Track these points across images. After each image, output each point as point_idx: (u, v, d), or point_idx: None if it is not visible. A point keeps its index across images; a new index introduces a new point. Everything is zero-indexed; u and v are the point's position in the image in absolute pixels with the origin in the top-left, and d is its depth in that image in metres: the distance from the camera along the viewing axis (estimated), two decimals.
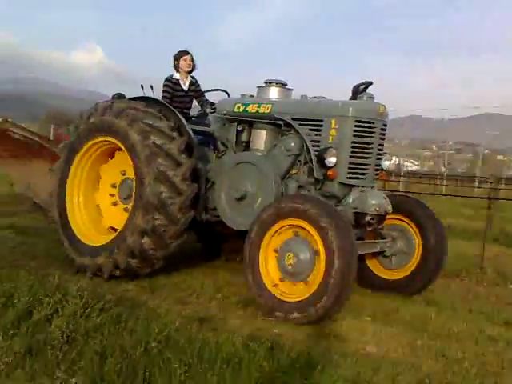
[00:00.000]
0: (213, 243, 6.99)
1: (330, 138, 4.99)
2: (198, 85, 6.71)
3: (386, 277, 5.65)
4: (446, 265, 5.58)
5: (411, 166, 69.64)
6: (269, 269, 4.67)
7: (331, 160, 4.85)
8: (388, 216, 5.44)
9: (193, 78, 6.68)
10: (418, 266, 5.43)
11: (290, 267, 4.53)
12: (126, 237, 5.27)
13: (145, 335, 3.51)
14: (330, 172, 4.89)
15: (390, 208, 5.05)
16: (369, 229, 5.02)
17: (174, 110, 5.85)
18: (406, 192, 16.36)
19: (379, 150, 5.21)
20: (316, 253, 4.39)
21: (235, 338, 3.66)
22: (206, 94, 6.73)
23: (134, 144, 5.32)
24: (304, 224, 4.44)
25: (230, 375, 3.08)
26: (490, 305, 5.61)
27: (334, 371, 3.33)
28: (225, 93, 6.71)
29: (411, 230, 5.52)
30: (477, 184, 27.37)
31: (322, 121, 5.07)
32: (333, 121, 4.99)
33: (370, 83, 5.35)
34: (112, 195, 6.02)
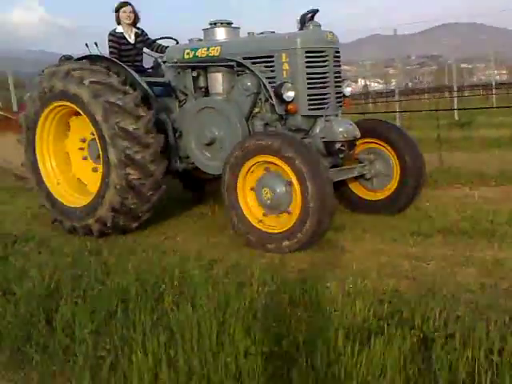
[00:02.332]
0: (198, 189, 7.12)
1: (284, 72, 4.97)
2: (146, 34, 6.50)
3: (369, 198, 5.79)
4: (424, 183, 5.73)
5: (376, 85, 69.64)
6: (251, 207, 4.81)
7: (289, 94, 4.86)
8: (364, 140, 5.57)
9: (138, 29, 6.46)
10: (398, 186, 5.55)
11: (269, 202, 4.66)
12: (104, 195, 5.33)
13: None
14: (290, 106, 4.90)
15: (357, 133, 5.12)
16: (341, 155, 5.10)
17: (123, 64, 5.73)
18: (384, 112, 16.44)
19: (337, 77, 5.21)
20: (289, 183, 4.51)
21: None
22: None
23: (88, 105, 5.26)
24: (271, 158, 4.54)
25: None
26: None
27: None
28: (174, 40, 6.53)
29: (387, 152, 5.59)
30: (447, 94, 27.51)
31: (272, 56, 5.04)
32: (283, 55, 4.96)
33: (316, 11, 5.26)
34: (81, 149, 5.99)
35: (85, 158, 5.98)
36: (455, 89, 21.16)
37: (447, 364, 2.44)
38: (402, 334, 2.67)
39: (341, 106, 5.38)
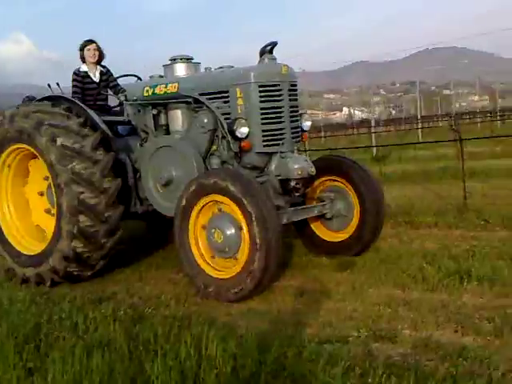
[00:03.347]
0: (160, 232, 6.84)
1: (239, 108, 4.89)
2: (111, 74, 6.45)
3: (329, 239, 5.63)
4: (381, 227, 5.57)
5: (360, 114, 70.29)
6: (200, 247, 4.66)
7: (242, 131, 4.77)
8: (327, 178, 5.51)
9: (103, 67, 6.43)
10: (358, 228, 5.39)
11: (218, 244, 4.51)
12: (56, 243, 5.16)
13: None
14: (243, 143, 4.81)
15: (313, 170, 4.99)
16: (297, 194, 4.96)
17: (82, 104, 5.68)
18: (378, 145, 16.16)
19: (293, 111, 5.12)
20: (240, 227, 4.36)
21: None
22: (119, 81, 6.54)
23: (43, 148, 5.16)
24: (221, 198, 4.42)
25: None
26: None
27: None
28: (136, 77, 6.54)
29: (349, 191, 5.46)
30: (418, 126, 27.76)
31: (227, 91, 4.99)
32: (237, 90, 4.89)
33: (275, 43, 5.21)
34: (41, 194, 5.84)
35: (47, 210, 5.79)
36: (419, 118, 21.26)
37: None
38: None
39: (298, 141, 5.30)
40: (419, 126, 26.88)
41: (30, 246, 5.68)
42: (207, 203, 4.57)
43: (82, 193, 5.00)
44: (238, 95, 4.88)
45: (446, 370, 2.92)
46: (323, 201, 5.52)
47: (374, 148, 16.70)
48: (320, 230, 5.70)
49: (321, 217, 5.59)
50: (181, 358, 3.05)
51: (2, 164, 5.70)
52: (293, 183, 4.87)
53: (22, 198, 5.91)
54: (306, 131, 5.49)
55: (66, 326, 3.88)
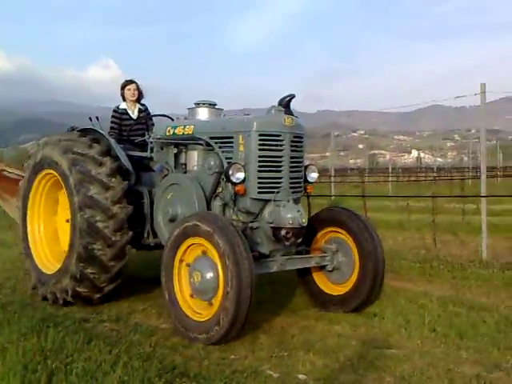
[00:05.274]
0: None
1: (239, 154, 5.06)
2: (148, 112, 6.97)
3: (331, 292, 5.57)
4: (381, 284, 5.47)
5: (430, 159, 68.36)
6: (182, 283, 4.77)
7: (237, 176, 4.92)
8: (328, 229, 5.54)
9: (142, 105, 6.95)
10: (357, 281, 5.31)
11: (197, 285, 4.60)
12: (68, 263, 5.51)
13: None
14: (237, 188, 4.93)
15: (304, 221, 4.98)
16: (287, 243, 4.96)
17: (108, 136, 6.12)
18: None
19: (295, 162, 5.21)
20: (218, 271, 4.43)
21: None
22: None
23: (65, 172, 5.58)
24: (202, 241, 4.54)
25: None
26: None
27: None
28: (169, 118, 7.01)
29: (349, 242, 5.41)
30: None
31: (232, 138, 5.17)
32: (240, 137, 5.07)
33: (293, 96, 5.50)
34: (67, 221, 6.10)
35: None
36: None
37: None
38: None
39: (299, 192, 5.34)
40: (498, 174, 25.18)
41: (52, 266, 6.02)
42: (190, 245, 4.70)
43: (93, 216, 5.33)
44: (240, 142, 5.06)
45: None
46: (325, 252, 5.52)
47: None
48: (321, 282, 5.67)
49: (323, 268, 5.58)
50: None
51: (36, 188, 6.20)
52: (283, 232, 4.90)
53: (51, 222, 6.34)
54: (311, 183, 5.56)
55: None
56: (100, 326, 5.15)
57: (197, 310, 4.65)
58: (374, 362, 4.06)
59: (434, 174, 24.44)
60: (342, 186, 17.41)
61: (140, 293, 6.31)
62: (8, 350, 3.99)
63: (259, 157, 5.03)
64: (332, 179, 19.41)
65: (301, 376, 3.79)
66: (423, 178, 30.15)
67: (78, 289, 5.51)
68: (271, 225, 4.99)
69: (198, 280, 4.57)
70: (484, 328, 4.89)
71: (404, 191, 20.07)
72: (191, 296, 4.72)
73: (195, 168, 5.71)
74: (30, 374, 3.55)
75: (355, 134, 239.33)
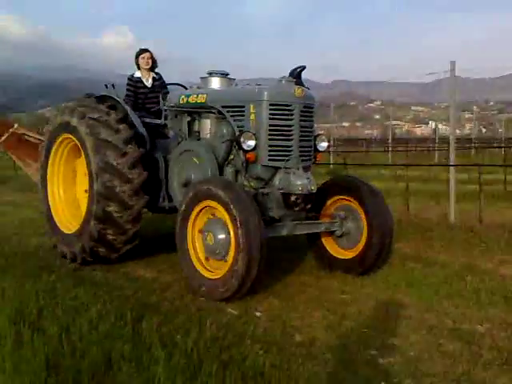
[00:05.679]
0: None
1: (251, 122, 5.22)
2: (163, 81, 7.06)
3: (339, 256, 5.76)
4: (389, 251, 5.69)
5: (446, 129, 67.64)
6: (196, 248, 5.00)
7: (249, 143, 5.08)
8: (339, 197, 5.70)
9: (156, 73, 7.03)
10: (365, 247, 5.48)
11: (211, 246, 4.84)
12: (86, 224, 5.78)
13: None
14: (248, 155, 5.12)
15: (313, 188, 5.15)
16: (296, 208, 5.15)
17: (124, 104, 6.28)
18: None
19: (305, 131, 5.36)
20: (229, 232, 4.65)
21: None
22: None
23: (83, 137, 5.80)
24: (214, 204, 4.75)
25: None
26: None
27: None
28: (182, 87, 7.12)
29: (358, 210, 5.56)
30: None
31: (243, 107, 5.32)
32: (251, 106, 5.22)
33: (304, 67, 5.65)
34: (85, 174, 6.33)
35: (87, 191, 6.35)
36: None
37: None
38: None
39: (309, 160, 5.50)
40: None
41: (72, 226, 6.29)
42: (202, 208, 4.91)
43: (110, 181, 5.55)
44: (251, 111, 5.22)
45: None
46: (334, 218, 5.71)
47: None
48: (330, 246, 5.87)
49: (332, 233, 5.77)
50: None
51: (55, 151, 6.44)
52: (293, 198, 5.09)
53: (71, 190, 6.58)
54: (321, 151, 5.72)
55: None
56: (91, 273, 5.70)
57: (213, 269, 4.90)
58: (323, 304, 4.68)
59: (445, 145, 24.32)
60: (346, 156, 17.83)
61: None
62: (7, 290, 4.58)
63: (269, 125, 5.18)
64: (331, 149, 20.44)
65: (257, 313, 4.45)
66: (424, 149, 30.17)
67: (96, 249, 5.78)
68: (281, 191, 5.17)
69: (211, 242, 4.81)
70: (432, 279, 5.38)
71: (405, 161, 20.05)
72: (206, 259, 4.97)
73: (208, 136, 5.86)
74: (23, 309, 4.15)
75: (372, 105, 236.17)
